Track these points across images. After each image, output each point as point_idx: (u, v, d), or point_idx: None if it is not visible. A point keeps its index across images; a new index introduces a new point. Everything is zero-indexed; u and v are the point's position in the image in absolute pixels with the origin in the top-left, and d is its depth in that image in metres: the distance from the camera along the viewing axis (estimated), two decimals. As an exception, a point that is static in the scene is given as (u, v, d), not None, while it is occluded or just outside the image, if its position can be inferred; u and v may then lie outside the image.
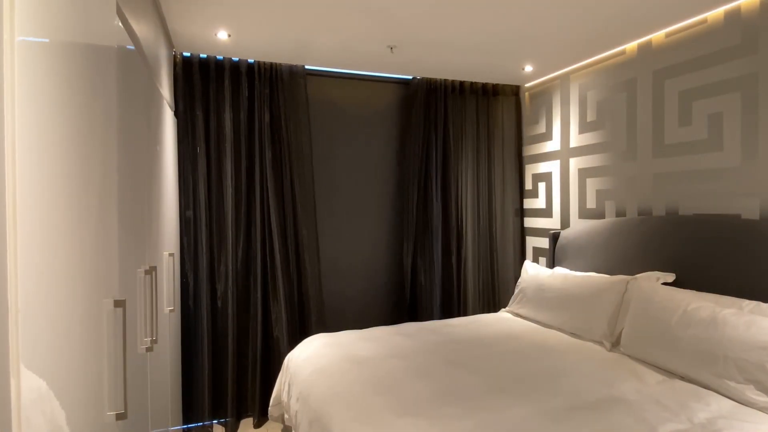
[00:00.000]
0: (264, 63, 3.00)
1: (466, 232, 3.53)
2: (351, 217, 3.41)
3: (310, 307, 3.08)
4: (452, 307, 3.51)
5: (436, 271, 3.43)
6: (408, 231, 3.41)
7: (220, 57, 2.92)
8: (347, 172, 3.38)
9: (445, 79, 3.48)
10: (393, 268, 3.52)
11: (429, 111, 3.44)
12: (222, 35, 2.57)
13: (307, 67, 3.16)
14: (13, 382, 0.56)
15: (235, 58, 2.96)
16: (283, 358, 2.97)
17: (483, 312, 3.58)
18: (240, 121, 2.97)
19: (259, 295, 2.99)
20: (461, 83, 3.53)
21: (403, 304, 3.48)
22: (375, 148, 3.46)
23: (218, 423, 2.96)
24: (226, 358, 2.92)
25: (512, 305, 3.10)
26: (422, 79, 3.42)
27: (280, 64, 3.04)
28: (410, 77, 3.45)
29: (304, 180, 3.10)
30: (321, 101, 3.29)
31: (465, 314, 3.49)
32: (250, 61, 2.99)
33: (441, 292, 3.47)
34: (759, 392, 1.66)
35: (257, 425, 2.97)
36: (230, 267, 2.92)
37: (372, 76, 3.40)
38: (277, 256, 2.99)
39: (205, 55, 2.90)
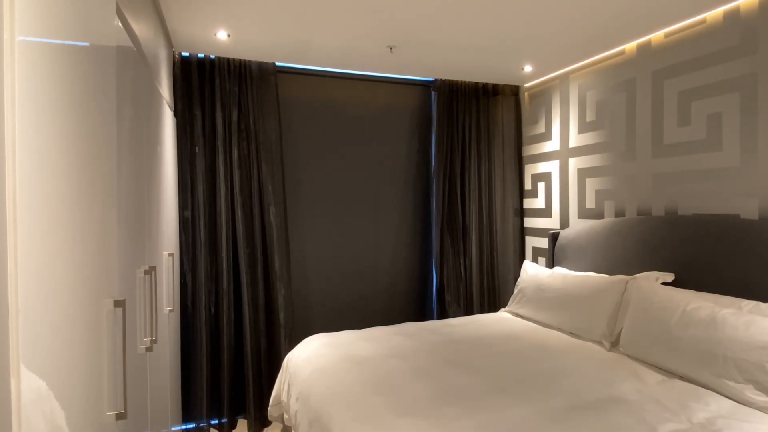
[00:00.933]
0: (235, 60, 2.95)
1: (471, 232, 3.56)
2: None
3: (277, 307, 3.02)
4: (459, 306, 3.54)
5: (461, 271, 3.53)
6: (434, 232, 3.50)
7: (219, 57, 2.92)
8: (357, 173, 3.40)
9: (462, 81, 3.52)
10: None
11: (451, 112, 3.50)
12: (222, 35, 2.57)
13: (322, 68, 3.20)
14: (13, 382, 0.56)
15: (234, 58, 2.96)
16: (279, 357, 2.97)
17: (483, 312, 3.58)
18: (233, 121, 2.95)
19: (232, 298, 2.97)
20: (461, 83, 3.54)
21: (428, 303, 3.58)
22: (383, 149, 3.47)
23: (213, 425, 2.94)
24: (222, 359, 2.92)
25: (512, 305, 3.10)
26: (445, 80, 3.47)
27: (250, 61, 2.98)
28: (427, 78, 3.49)
29: (275, 176, 3.04)
30: (324, 101, 3.30)
31: (470, 314, 3.51)
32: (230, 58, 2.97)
33: (467, 291, 3.57)
34: (758, 392, 1.66)
35: (227, 428, 2.95)
36: (222, 268, 2.92)
37: (379, 76, 3.41)
38: (242, 257, 2.96)
39: (203, 55, 2.90)
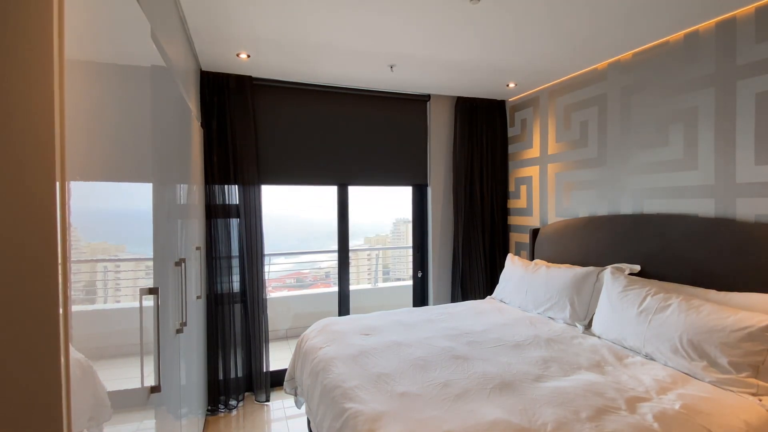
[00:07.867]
0: (212, 73, 2.83)
1: (466, 228, 3.57)
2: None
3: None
4: (480, 290, 3.61)
5: (482, 261, 3.58)
6: (459, 227, 3.54)
7: (238, 74, 2.91)
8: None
9: (480, 98, 3.57)
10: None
11: (472, 123, 3.58)
12: (242, 56, 2.56)
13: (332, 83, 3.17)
14: (63, 361, 0.56)
15: (254, 75, 2.96)
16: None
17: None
18: (250, 130, 2.94)
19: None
20: (480, 100, 3.61)
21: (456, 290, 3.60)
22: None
23: (233, 405, 2.90)
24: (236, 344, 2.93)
25: (497, 292, 3.10)
26: (467, 98, 3.53)
27: (228, 75, 2.87)
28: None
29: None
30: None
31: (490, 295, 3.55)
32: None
33: (486, 278, 3.64)
34: (712, 368, 1.66)
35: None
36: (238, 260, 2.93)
37: (380, 91, 3.39)
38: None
39: (224, 72, 2.88)
